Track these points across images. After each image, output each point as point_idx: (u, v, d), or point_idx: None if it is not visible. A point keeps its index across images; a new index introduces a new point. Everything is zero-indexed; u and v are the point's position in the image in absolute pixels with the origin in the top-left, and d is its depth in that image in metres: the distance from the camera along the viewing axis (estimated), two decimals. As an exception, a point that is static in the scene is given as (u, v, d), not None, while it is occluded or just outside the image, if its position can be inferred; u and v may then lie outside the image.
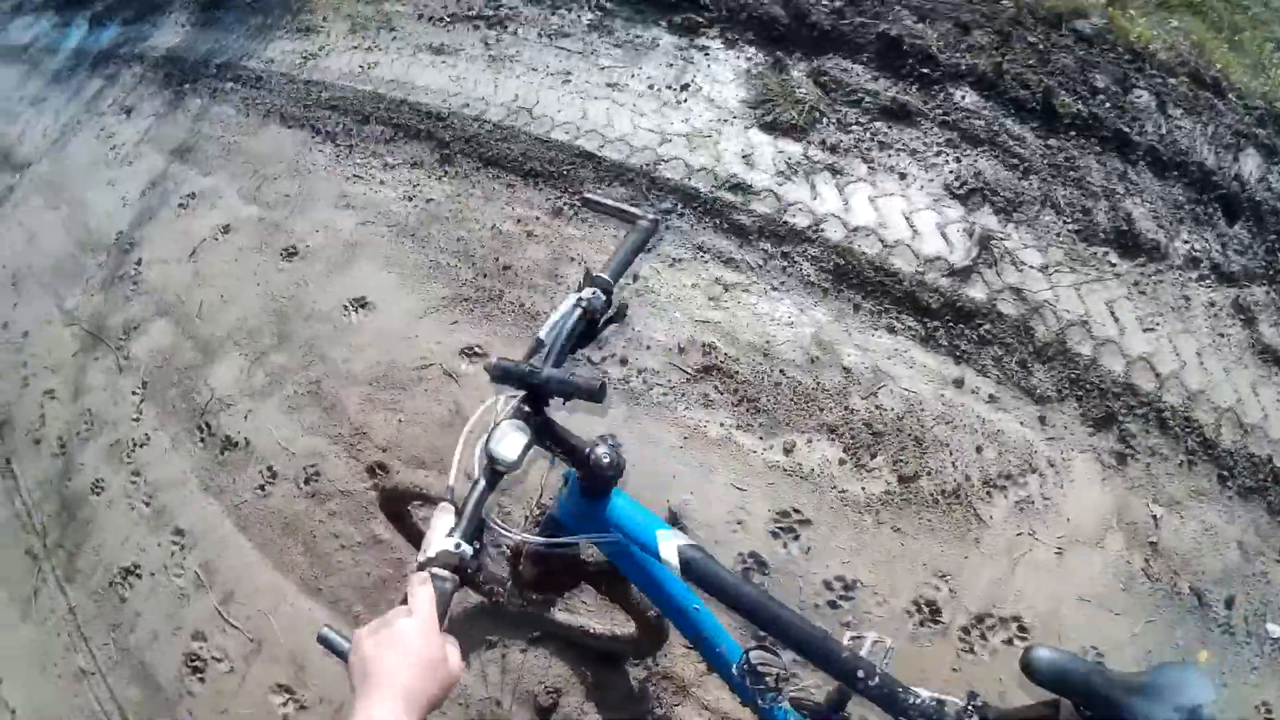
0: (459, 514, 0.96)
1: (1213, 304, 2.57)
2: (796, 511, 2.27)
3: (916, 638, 2.06)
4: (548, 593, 1.45)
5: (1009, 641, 2.02)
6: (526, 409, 1.10)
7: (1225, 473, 2.33)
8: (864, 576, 2.14)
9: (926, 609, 2.09)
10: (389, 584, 2.35)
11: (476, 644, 2.23)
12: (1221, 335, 2.52)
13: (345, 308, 2.85)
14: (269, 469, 2.62)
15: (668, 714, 2.15)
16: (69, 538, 2.83)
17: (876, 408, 2.41)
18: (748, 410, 2.43)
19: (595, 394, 1.03)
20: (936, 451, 2.32)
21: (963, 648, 2.04)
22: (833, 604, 2.14)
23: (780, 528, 2.26)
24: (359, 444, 2.55)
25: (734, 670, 1.28)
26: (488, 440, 1.04)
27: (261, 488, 2.61)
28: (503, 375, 1.11)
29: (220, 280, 3.20)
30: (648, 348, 2.53)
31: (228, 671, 2.41)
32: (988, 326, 2.49)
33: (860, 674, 1.04)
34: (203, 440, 2.81)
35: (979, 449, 2.31)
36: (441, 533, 0.94)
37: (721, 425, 2.39)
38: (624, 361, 2.53)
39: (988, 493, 2.23)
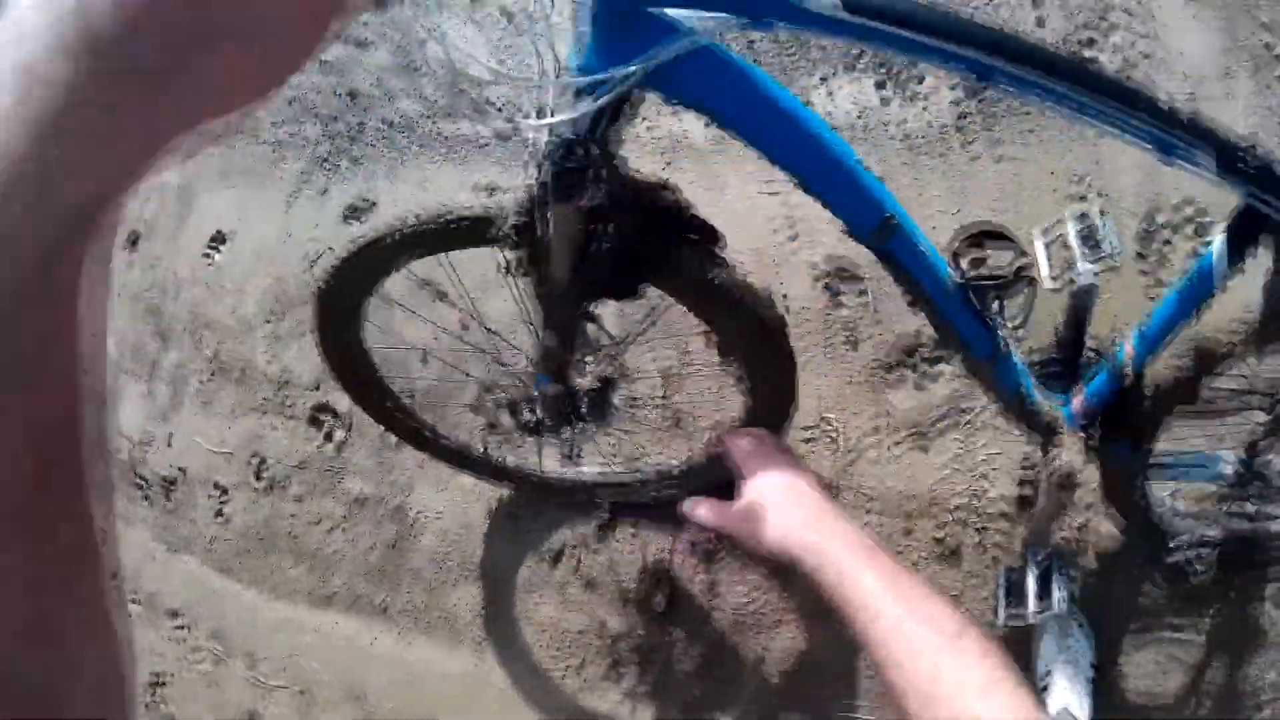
0: None
1: None
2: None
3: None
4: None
5: (1197, 232, 1.36)
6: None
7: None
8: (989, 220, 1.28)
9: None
10: (399, 547, 1.65)
11: (535, 568, 1.52)
12: None
13: (205, 255, 2.11)
14: (216, 487, 1.96)
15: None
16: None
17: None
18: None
19: None
20: None
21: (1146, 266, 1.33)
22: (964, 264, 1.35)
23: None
24: (287, 398, 1.83)
25: (944, 286, 0.76)
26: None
27: (219, 513, 1.95)
28: None
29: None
30: None
31: None
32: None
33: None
34: (146, 498, 2.17)
35: (1039, 20, 1.51)
36: None
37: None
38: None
39: (1079, 57, 1.46)
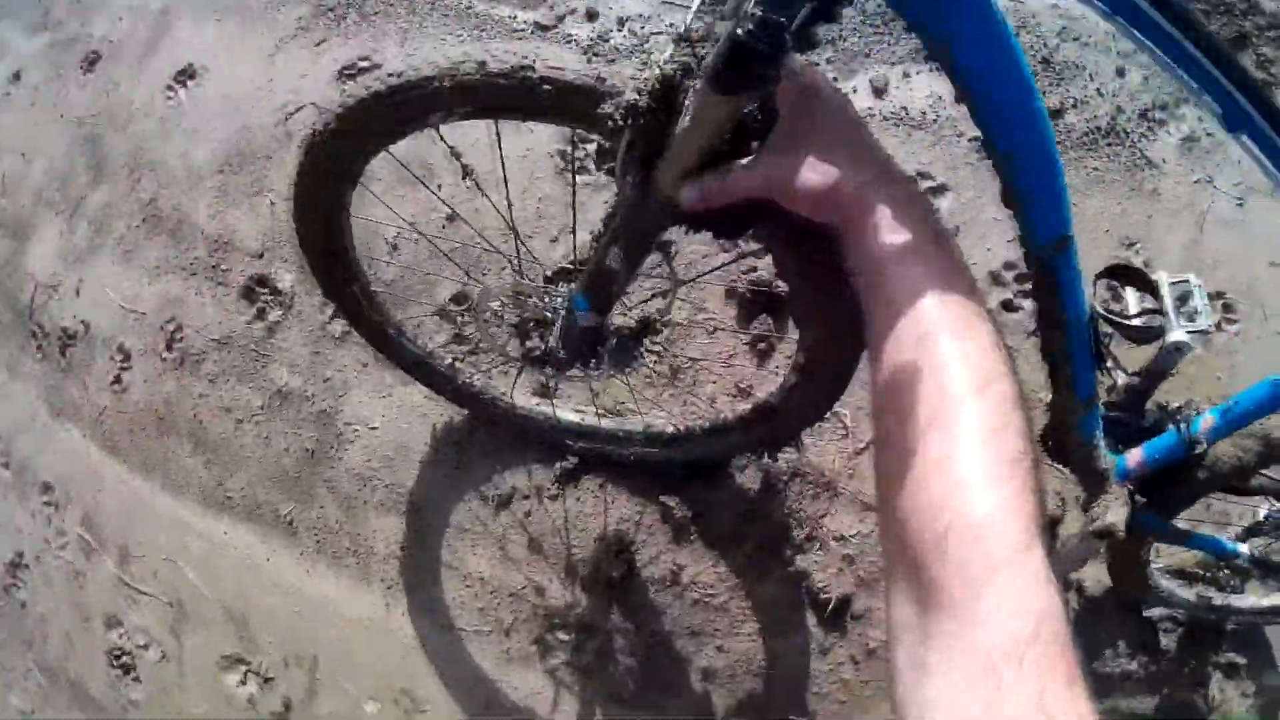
0: None
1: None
2: (924, 176, 1.45)
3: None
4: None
5: (1217, 326, 1.43)
6: None
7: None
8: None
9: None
10: (319, 456, 1.41)
11: (475, 511, 1.30)
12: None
13: (169, 89, 1.83)
14: (120, 350, 1.69)
15: (811, 532, 1.25)
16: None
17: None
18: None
19: None
20: (1073, 77, 1.55)
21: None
22: (1007, 304, 1.38)
23: None
24: (223, 261, 1.58)
25: (1082, 317, 0.71)
26: None
27: (117, 380, 1.68)
28: None
29: (19, 139, 2.20)
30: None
31: (159, 660, 1.58)
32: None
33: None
34: (40, 349, 1.88)
35: (1120, 71, 1.56)
36: None
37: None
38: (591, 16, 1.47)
39: (1149, 128, 1.55)
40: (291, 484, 1.42)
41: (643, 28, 1.46)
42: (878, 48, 1.50)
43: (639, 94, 0.58)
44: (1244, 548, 1.10)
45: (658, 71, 0.57)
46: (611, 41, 1.44)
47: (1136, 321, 0.77)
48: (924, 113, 1.48)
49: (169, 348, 1.60)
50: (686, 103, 0.57)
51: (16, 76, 2.37)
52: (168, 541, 1.58)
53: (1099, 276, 0.80)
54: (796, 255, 0.72)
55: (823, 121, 0.56)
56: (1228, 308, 1.48)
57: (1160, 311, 0.76)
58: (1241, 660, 1.31)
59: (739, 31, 0.48)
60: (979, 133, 0.59)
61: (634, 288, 1.17)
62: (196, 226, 1.63)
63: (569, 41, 1.46)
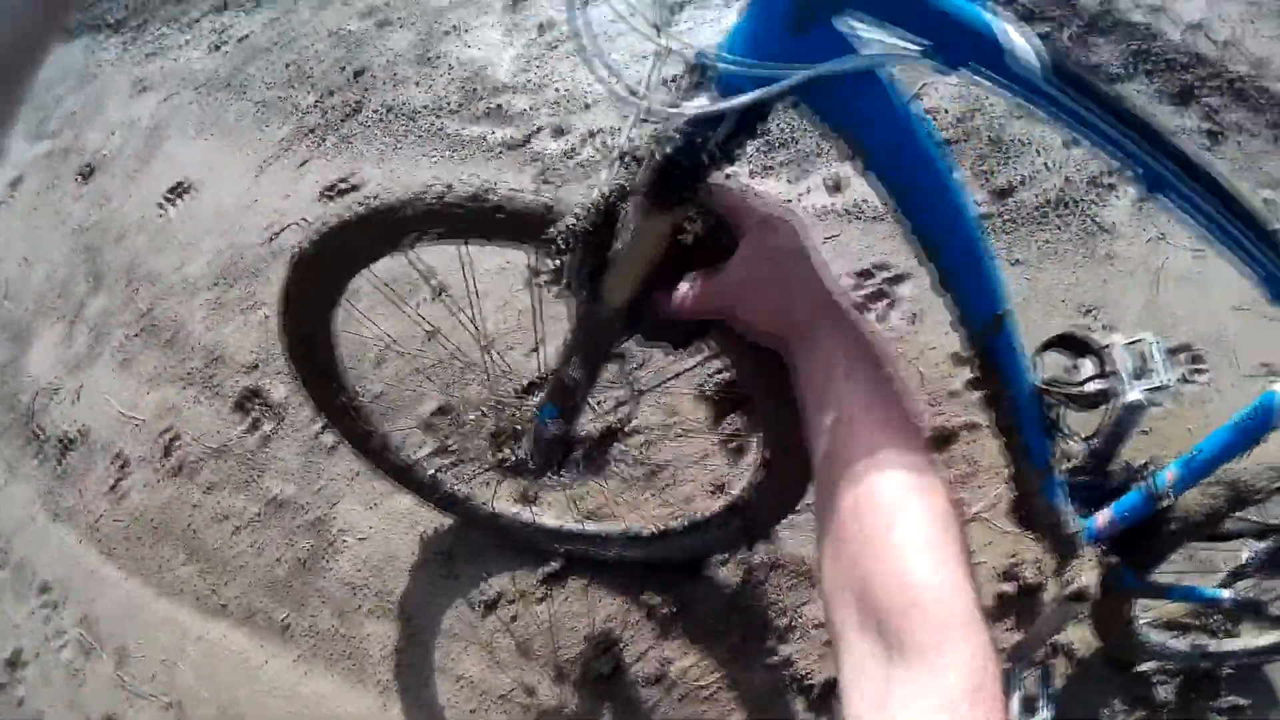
0: None
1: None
2: (882, 268, 1.53)
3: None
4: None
5: (1187, 378, 1.48)
6: None
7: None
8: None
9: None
10: (311, 565, 1.46)
11: (464, 616, 1.35)
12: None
13: (160, 205, 1.92)
14: (117, 456, 1.74)
15: (792, 621, 1.30)
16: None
17: (927, 111, 1.64)
18: (760, 148, 1.56)
19: None
20: (1021, 154, 1.64)
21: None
22: (974, 382, 1.39)
23: (867, 296, 1.51)
24: (216, 373, 1.64)
25: (1026, 390, 0.73)
26: None
27: (114, 487, 1.73)
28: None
29: (20, 244, 2.29)
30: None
31: None
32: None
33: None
34: (39, 453, 1.93)
35: (1068, 144, 1.64)
36: None
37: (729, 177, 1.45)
38: (559, 132, 1.56)
39: (1099, 195, 1.62)
40: (285, 591, 1.47)
41: (611, 139, 1.56)
42: (830, 147, 1.59)
43: (577, 217, 0.63)
44: (1227, 593, 1.08)
45: (596, 194, 0.62)
46: (580, 156, 1.53)
47: (1089, 388, 0.77)
48: (877, 208, 1.57)
49: (166, 455, 1.66)
50: (625, 220, 0.60)
51: (16, 183, 2.47)
52: (166, 643, 1.61)
53: (1038, 350, 0.80)
54: (752, 364, 0.78)
55: (775, 254, 0.61)
56: (1196, 359, 1.50)
57: (1111, 374, 0.77)
58: (1244, 702, 1.28)
59: (666, 149, 0.53)
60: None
61: (603, 396, 1.23)
62: (192, 337, 1.70)
63: (535, 160, 1.54)
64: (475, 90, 1.69)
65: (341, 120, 1.78)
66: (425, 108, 1.73)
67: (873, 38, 0.50)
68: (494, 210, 0.72)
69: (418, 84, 1.77)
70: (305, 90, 1.87)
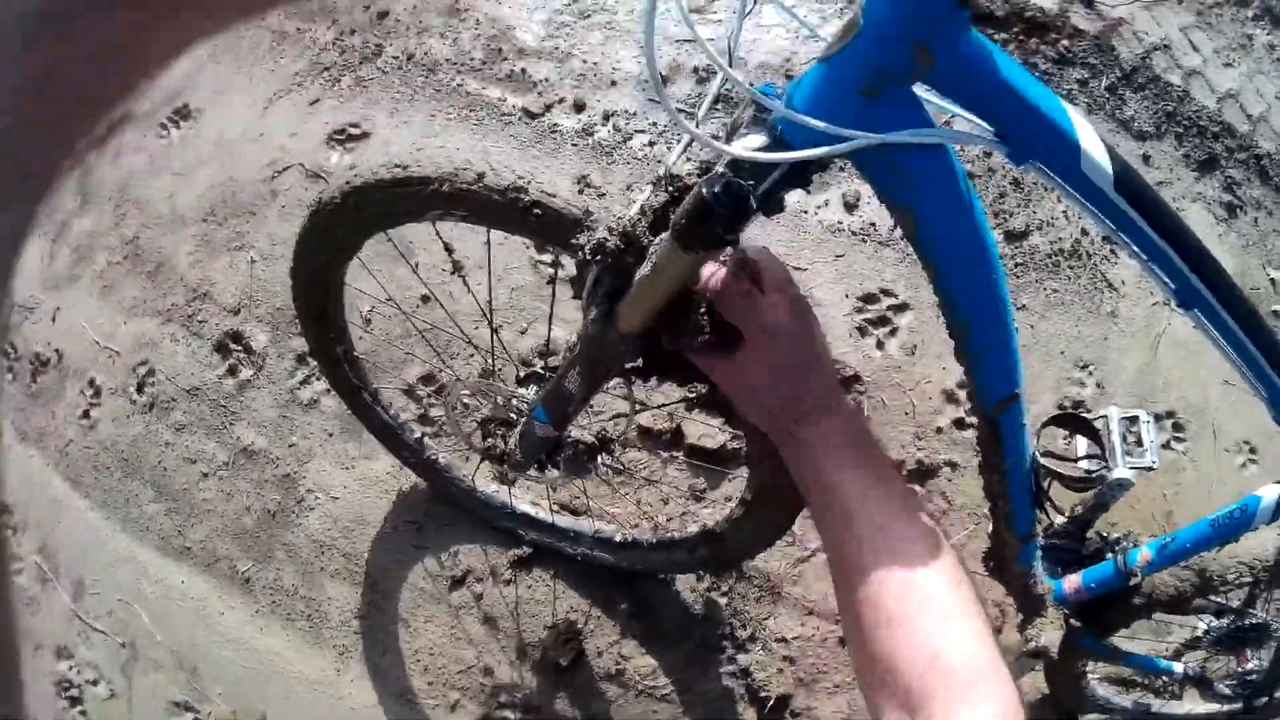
0: None
1: (1273, 46, 1.99)
2: (886, 294, 1.50)
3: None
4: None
5: (1166, 445, 1.51)
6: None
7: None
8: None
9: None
10: (280, 518, 1.44)
11: (430, 587, 1.33)
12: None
13: (162, 125, 1.85)
14: (90, 384, 1.70)
15: (754, 633, 1.31)
16: None
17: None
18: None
19: None
20: (1041, 199, 1.61)
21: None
22: (959, 422, 1.41)
23: (868, 320, 1.49)
24: (199, 313, 1.59)
25: (1024, 465, 0.75)
26: None
27: (86, 414, 1.69)
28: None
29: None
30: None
31: (108, 697, 1.57)
32: (1065, 42, 1.78)
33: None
34: (10, 369, 1.88)
35: None
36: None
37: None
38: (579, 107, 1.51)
39: (1111, 251, 1.62)
40: (251, 542, 1.44)
41: (627, 124, 1.51)
42: (851, 164, 1.56)
43: (609, 233, 0.60)
44: (1178, 666, 1.13)
45: (633, 211, 0.59)
46: (596, 136, 1.48)
47: (1082, 467, 0.81)
48: (891, 230, 1.54)
49: (140, 390, 1.62)
50: (652, 249, 0.58)
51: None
52: (124, 581, 1.58)
53: (1044, 425, 0.83)
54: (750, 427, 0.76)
55: (780, 347, 0.61)
56: (1178, 427, 1.54)
57: (1105, 454, 0.81)
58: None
59: (704, 191, 0.49)
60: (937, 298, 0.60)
61: (603, 404, 1.21)
62: (176, 271, 1.65)
63: (554, 132, 1.49)
64: (500, 50, 1.63)
65: (360, 62, 1.71)
66: (447, 60, 1.66)
67: (945, 109, 0.49)
68: (528, 208, 0.70)
69: (442, 35, 1.70)
70: (325, 25, 1.80)
